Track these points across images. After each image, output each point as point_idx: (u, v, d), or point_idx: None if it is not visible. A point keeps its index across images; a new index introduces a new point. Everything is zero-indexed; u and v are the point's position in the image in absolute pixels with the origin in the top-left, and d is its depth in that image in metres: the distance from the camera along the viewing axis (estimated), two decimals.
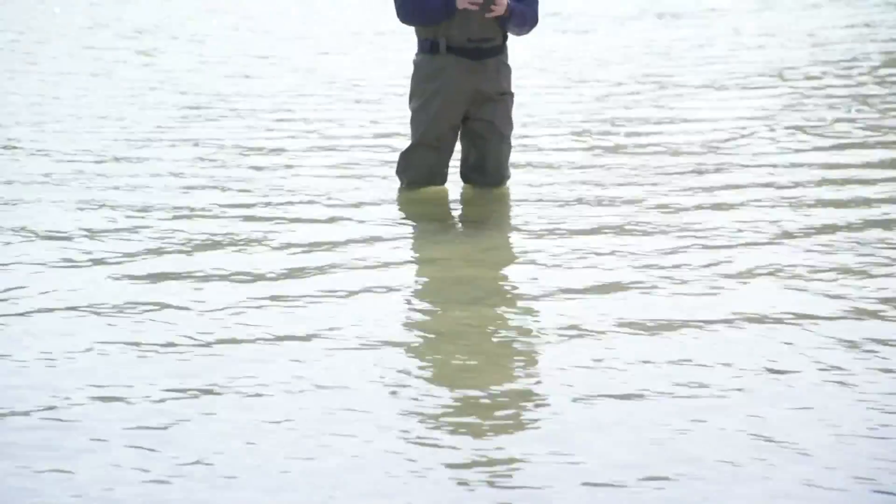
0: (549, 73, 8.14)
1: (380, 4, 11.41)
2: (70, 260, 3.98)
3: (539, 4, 4.79)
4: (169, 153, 5.66)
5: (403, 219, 4.54)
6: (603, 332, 3.28)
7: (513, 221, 4.50)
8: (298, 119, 6.61)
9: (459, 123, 4.78)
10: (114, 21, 10.79)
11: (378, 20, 10.68)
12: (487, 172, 4.82)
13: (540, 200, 4.73)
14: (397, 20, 4.75)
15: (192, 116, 6.68)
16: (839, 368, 3.03)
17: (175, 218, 4.51)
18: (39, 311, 3.48)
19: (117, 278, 3.78)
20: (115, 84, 7.76)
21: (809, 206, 4.65)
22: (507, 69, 4.79)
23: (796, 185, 4.98)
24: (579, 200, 4.74)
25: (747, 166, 5.34)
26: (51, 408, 2.83)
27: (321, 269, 3.86)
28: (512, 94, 4.81)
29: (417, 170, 4.79)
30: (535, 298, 3.59)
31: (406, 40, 7.86)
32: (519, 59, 5.39)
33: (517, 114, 5.13)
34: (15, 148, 5.78)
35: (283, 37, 10.06)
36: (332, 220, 4.49)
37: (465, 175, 4.86)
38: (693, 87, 7.54)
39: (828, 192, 4.86)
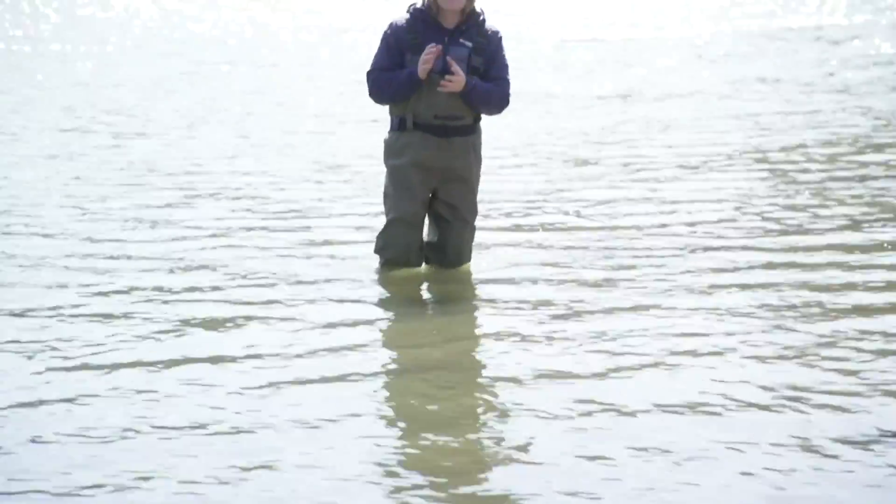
0: (510, 150, 8.19)
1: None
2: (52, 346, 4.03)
3: (510, 85, 4.75)
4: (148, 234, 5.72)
5: (377, 300, 4.59)
6: (588, 415, 3.35)
7: (482, 301, 4.57)
8: (266, 197, 6.64)
9: (427, 200, 4.82)
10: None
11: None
12: (447, 256, 4.87)
13: (510, 281, 4.80)
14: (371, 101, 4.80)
15: (170, 198, 6.74)
16: None
17: (148, 301, 4.57)
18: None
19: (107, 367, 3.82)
20: (96, 166, 7.78)
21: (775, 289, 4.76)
22: (478, 157, 4.83)
23: (751, 267, 5.07)
24: (547, 280, 4.82)
25: (711, 248, 5.45)
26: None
27: (298, 354, 3.91)
28: (478, 174, 4.83)
29: (395, 248, 4.83)
30: (512, 380, 3.65)
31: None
32: (488, 135, 5.52)
33: (486, 189, 5.20)
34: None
35: (263, 113, 10.15)
36: (311, 301, 4.53)
37: (426, 254, 4.90)
38: (654, 169, 7.66)
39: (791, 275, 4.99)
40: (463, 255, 4.92)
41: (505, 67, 4.73)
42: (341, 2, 20.80)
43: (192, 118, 9.71)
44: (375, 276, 4.87)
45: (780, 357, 3.90)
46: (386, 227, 4.87)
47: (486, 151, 4.98)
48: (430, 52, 4.59)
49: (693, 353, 3.93)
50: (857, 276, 4.87)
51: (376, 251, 4.93)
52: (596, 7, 19.18)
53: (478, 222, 5.01)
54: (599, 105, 10.36)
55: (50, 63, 13.28)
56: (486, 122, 5.07)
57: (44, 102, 10.46)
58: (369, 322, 4.33)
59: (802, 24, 16.59)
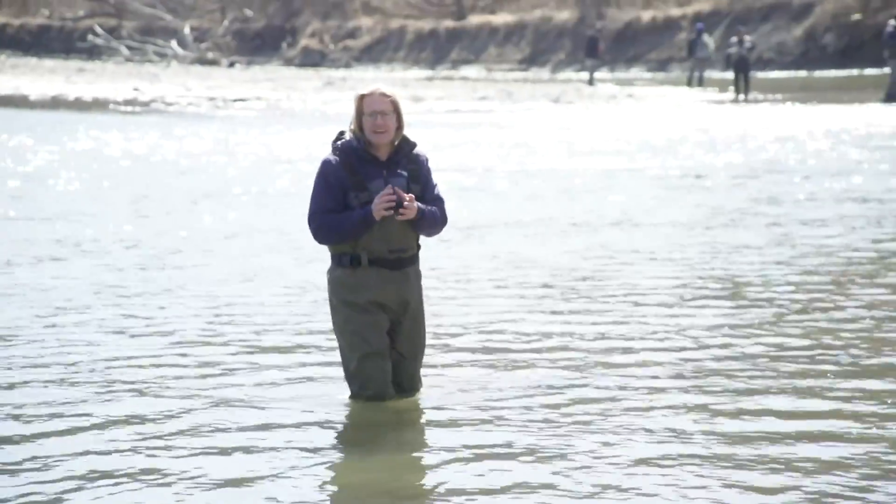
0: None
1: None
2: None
3: (444, 203, 4.78)
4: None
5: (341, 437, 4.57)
6: None
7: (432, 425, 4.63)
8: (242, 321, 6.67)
9: (386, 331, 4.77)
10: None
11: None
12: (402, 388, 4.88)
13: (454, 420, 4.70)
14: (314, 242, 4.72)
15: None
16: None
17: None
18: None
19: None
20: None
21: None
22: (419, 277, 4.82)
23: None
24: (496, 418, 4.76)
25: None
26: None
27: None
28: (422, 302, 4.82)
29: (376, 382, 4.73)
30: None
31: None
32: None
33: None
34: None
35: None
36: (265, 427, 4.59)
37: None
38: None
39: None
40: (416, 383, 4.96)
41: (436, 187, 4.79)
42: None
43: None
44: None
45: None
46: (360, 364, 4.74)
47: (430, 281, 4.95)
48: (388, 195, 4.58)
49: None
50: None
51: (355, 392, 4.80)
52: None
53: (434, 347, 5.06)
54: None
55: None
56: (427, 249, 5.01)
57: None
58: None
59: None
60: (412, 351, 4.89)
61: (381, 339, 4.75)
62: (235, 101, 27.36)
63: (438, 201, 4.76)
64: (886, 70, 26.01)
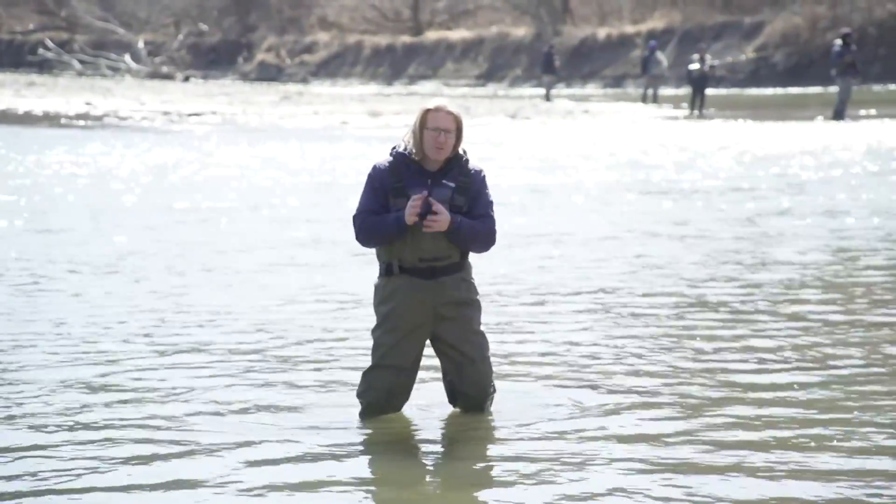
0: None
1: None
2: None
3: (495, 222, 4.73)
4: None
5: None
6: None
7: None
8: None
9: (422, 344, 4.75)
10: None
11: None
12: (467, 395, 4.81)
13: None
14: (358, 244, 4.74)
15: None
16: None
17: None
18: None
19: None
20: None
21: None
22: (468, 284, 4.74)
23: None
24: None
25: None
26: None
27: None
28: (477, 303, 4.73)
29: (376, 391, 4.75)
30: None
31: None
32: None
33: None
34: None
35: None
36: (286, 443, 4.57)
37: (450, 394, 4.86)
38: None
39: None
40: (483, 392, 4.81)
41: (489, 205, 4.72)
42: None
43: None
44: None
45: None
46: (370, 369, 4.79)
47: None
48: (417, 200, 4.58)
49: None
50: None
51: (358, 395, 4.86)
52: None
53: None
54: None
55: None
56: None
57: None
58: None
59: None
60: (462, 356, 4.75)
61: (398, 353, 4.72)
62: (190, 115, 27.17)
63: (486, 218, 4.70)
64: (834, 89, 26.45)
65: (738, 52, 37.90)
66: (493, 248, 4.78)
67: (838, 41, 24.88)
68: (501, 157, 17.24)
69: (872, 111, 26.93)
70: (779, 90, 35.35)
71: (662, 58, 31.70)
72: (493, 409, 4.97)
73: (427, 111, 4.67)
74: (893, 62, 34.95)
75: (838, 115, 25.13)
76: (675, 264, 8.74)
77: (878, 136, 21.16)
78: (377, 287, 4.78)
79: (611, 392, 5.36)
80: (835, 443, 4.63)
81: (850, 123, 24.21)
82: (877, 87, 33.83)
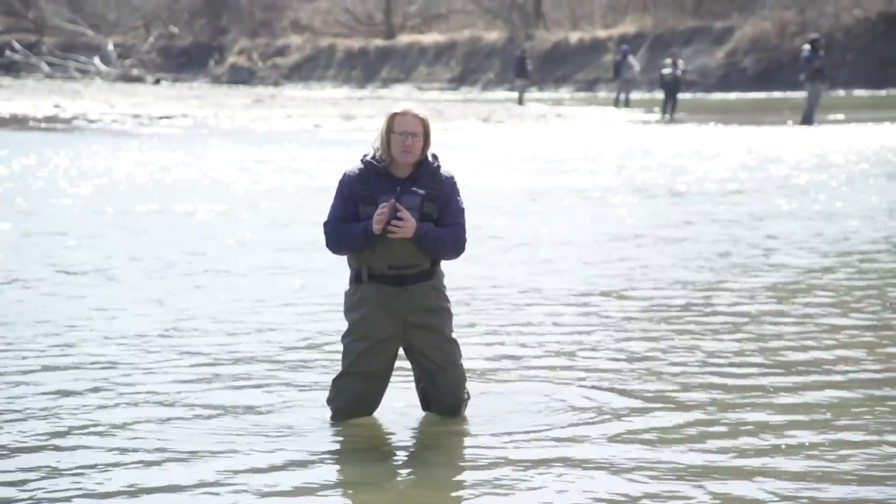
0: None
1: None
2: None
3: (465, 230, 4.69)
4: None
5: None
6: None
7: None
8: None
9: (393, 352, 4.75)
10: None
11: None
12: (441, 402, 4.80)
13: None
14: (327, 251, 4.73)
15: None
16: None
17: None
18: None
19: None
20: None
21: None
22: (437, 291, 4.71)
23: None
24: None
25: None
26: None
27: None
28: (447, 311, 4.71)
29: (345, 398, 4.76)
30: None
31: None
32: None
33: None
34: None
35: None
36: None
37: (423, 401, 4.85)
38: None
39: None
40: (457, 397, 4.80)
41: (460, 212, 4.69)
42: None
43: None
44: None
45: None
46: (340, 376, 4.80)
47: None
48: (384, 208, 4.57)
49: None
50: None
51: (327, 401, 4.87)
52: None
53: None
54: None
55: None
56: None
57: None
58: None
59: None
60: (434, 365, 4.75)
61: (367, 360, 4.73)
62: (161, 118, 27.00)
63: (455, 226, 4.66)
64: (802, 93, 26.70)
65: (708, 57, 38.16)
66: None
67: (807, 46, 25.10)
68: (475, 161, 17.25)
69: (840, 115, 27.20)
70: (748, 94, 35.62)
71: (634, 62, 31.87)
72: (486, 412, 4.96)
73: (394, 115, 4.64)
74: (860, 67, 35.37)
75: (807, 119, 25.35)
76: (651, 268, 8.77)
77: (847, 140, 21.36)
78: (347, 294, 4.77)
79: (612, 393, 5.37)
80: (854, 451, 4.59)
81: (819, 128, 24.43)
82: (843, 93, 34.19)
